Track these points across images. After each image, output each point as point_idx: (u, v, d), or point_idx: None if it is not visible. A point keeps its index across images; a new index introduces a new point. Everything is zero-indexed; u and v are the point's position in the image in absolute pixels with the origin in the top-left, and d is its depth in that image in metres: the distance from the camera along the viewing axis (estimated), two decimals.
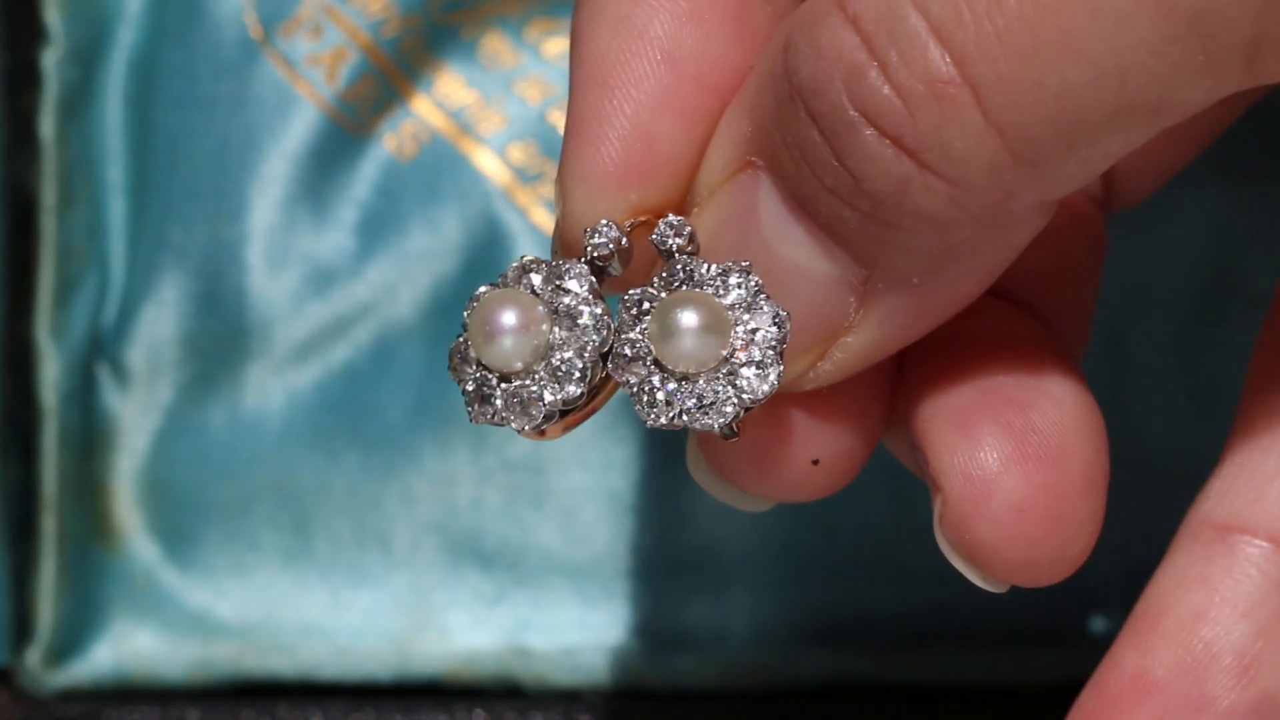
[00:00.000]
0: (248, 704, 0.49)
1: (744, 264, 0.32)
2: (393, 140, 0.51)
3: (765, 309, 0.32)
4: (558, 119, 0.52)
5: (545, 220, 0.51)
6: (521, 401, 0.32)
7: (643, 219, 0.33)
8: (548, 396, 0.32)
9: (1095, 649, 0.49)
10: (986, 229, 0.31)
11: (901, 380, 0.36)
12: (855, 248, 0.31)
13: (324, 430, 0.51)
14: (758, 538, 0.50)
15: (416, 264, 0.51)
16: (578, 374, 0.32)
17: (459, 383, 0.33)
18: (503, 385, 0.32)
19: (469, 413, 0.32)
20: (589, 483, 0.51)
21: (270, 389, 0.51)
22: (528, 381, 0.32)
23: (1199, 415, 0.50)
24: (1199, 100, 0.29)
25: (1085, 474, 0.34)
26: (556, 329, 0.32)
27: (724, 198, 0.32)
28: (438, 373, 0.51)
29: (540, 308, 0.32)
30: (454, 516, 0.51)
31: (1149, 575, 0.38)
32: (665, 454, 0.50)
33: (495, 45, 0.52)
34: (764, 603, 0.50)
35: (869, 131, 0.29)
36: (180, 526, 0.50)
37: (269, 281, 0.51)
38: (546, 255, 0.33)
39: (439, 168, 0.51)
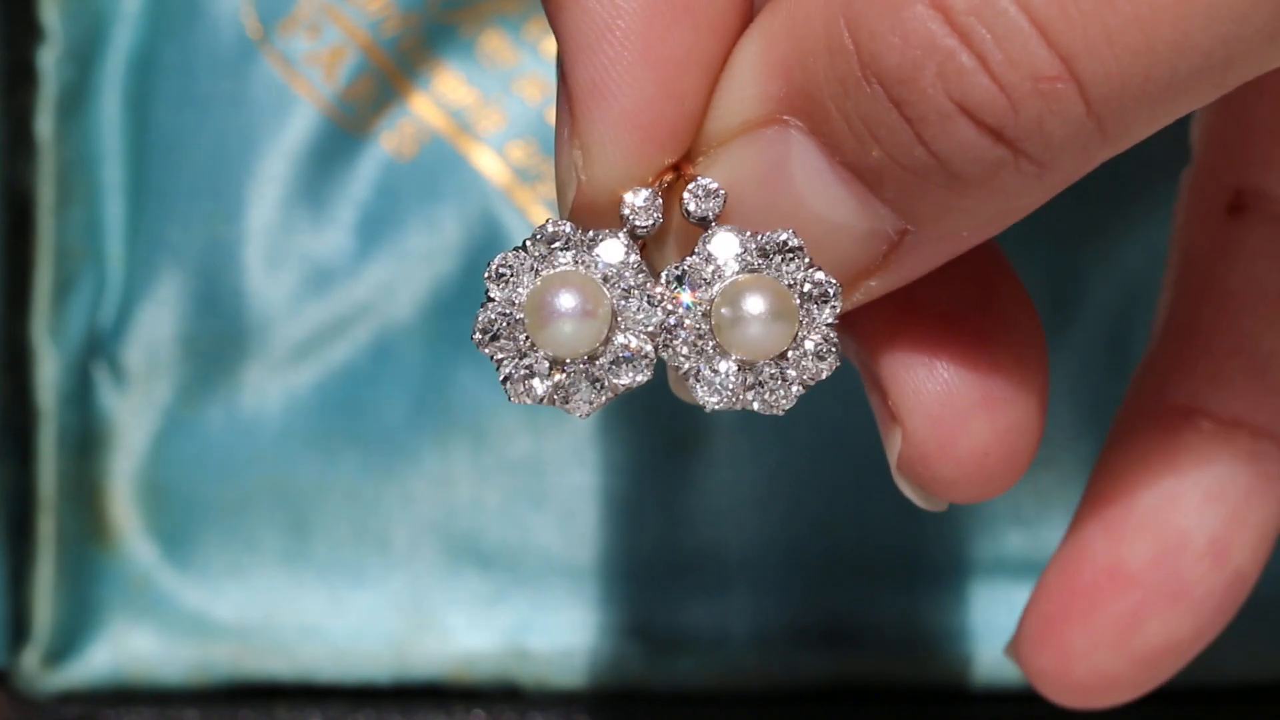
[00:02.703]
0: (246, 706, 0.49)
1: (791, 237, 0.31)
2: (392, 139, 0.51)
3: (819, 281, 0.31)
4: None
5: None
6: (583, 385, 0.31)
7: (668, 178, 0.32)
8: (611, 381, 0.31)
9: None
10: (1052, 190, 0.31)
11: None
12: (911, 212, 0.31)
13: (322, 430, 0.50)
14: (758, 539, 0.50)
15: (415, 264, 0.51)
16: (644, 359, 0.31)
17: (495, 360, 0.32)
18: (553, 367, 0.31)
19: (509, 392, 0.31)
20: (589, 483, 0.50)
21: (269, 389, 0.50)
22: (591, 368, 0.31)
23: None
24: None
25: (1041, 404, 0.35)
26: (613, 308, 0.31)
27: (746, 151, 0.32)
28: (437, 373, 0.51)
29: (604, 290, 0.31)
30: (453, 517, 0.50)
31: None
32: (665, 455, 0.50)
33: (494, 44, 0.51)
34: (764, 604, 0.50)
35: (965, 122, 0.29)
36: (178, 527, 0.50)
37: (267, 281, 0.51)
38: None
39: (438, 167, 0.51)
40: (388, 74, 0.51)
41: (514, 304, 0.32)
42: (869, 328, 0.35)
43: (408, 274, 0.51)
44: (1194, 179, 0.38)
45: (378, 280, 0.51)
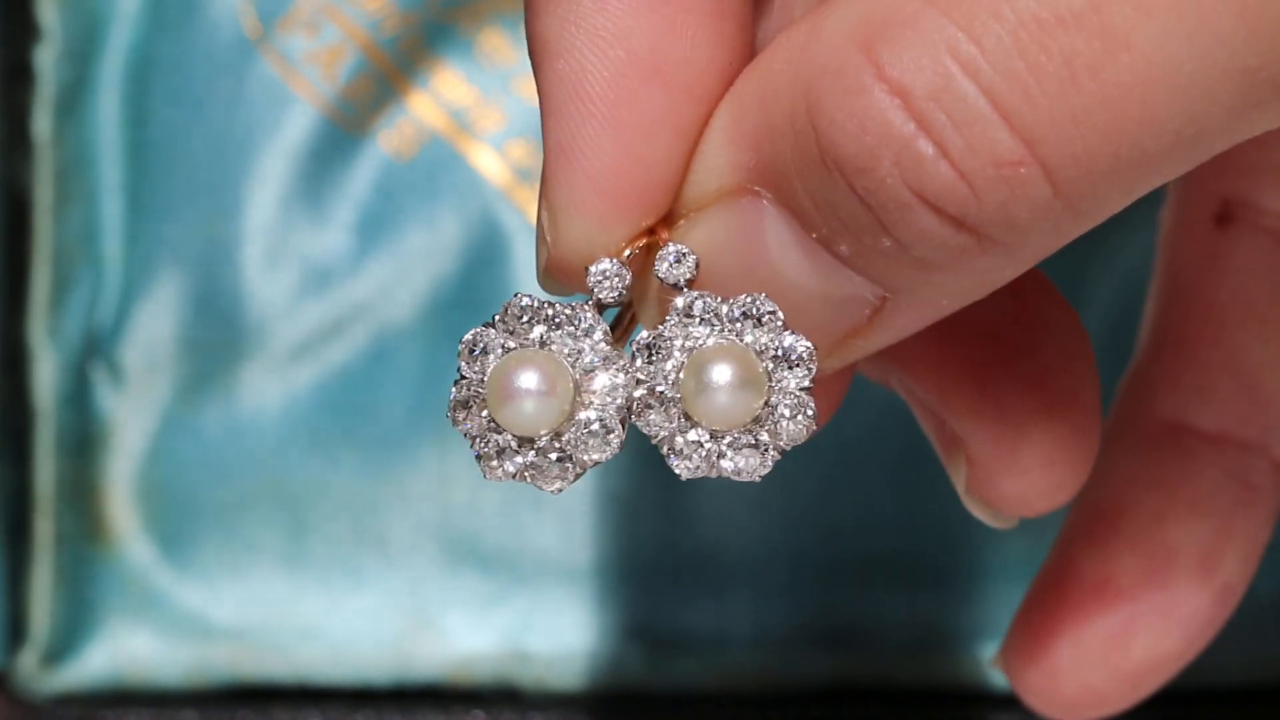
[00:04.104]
0: (244, 707, 0.49)
1: (763, 301, 0.31)
2: (391, 139, 0.51)
3: (791, 346, 0.31)
4: None
5: None
6: (551, 465, 0.31)
7: (640, 244, 0.31)
8: (585, 457, 0.31)
9: None
10: (1024, 265, 0.30)
11: None
12: (885, 283, 0.30)
13: (321, 431, 0.50)
14: (758, 541, 0.50)
15: (415, 263, 0.51)
16: (614, 436, 0.31)
17: (466, 435, 0.31)
18: (523, 444, 0.31)
19: (483, 469, 0.31)
20: (588, 485, 0.50)
21: (267, 389, 0.50)
22: (559, 445, 0.31)
23: None
24: (1267, 134, 0.29)
25: (1094, 403, 0.34)
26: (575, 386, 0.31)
27: (721, 220, 0.31)
28: (435, 373, 0.50)
29: (565, 367, 0.31)
30: (452, 518, 0.50)
31: None
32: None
33: (494, 42, 0.51)
34: (765, 606, 0.50)
35: (926, 212, 0.28)
36: (176, 528, 0.50)
37: (266, 281, 0.51)
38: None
39: (437, 167, 0.51)
40: (387, 73, 0.51)
41: (484, 380, 0.31)
42: (915, 359, 0.34)
43: (407, 274, 0.51)
44: (1181, 187, 0.38)
45: (376, 280, 0.51)
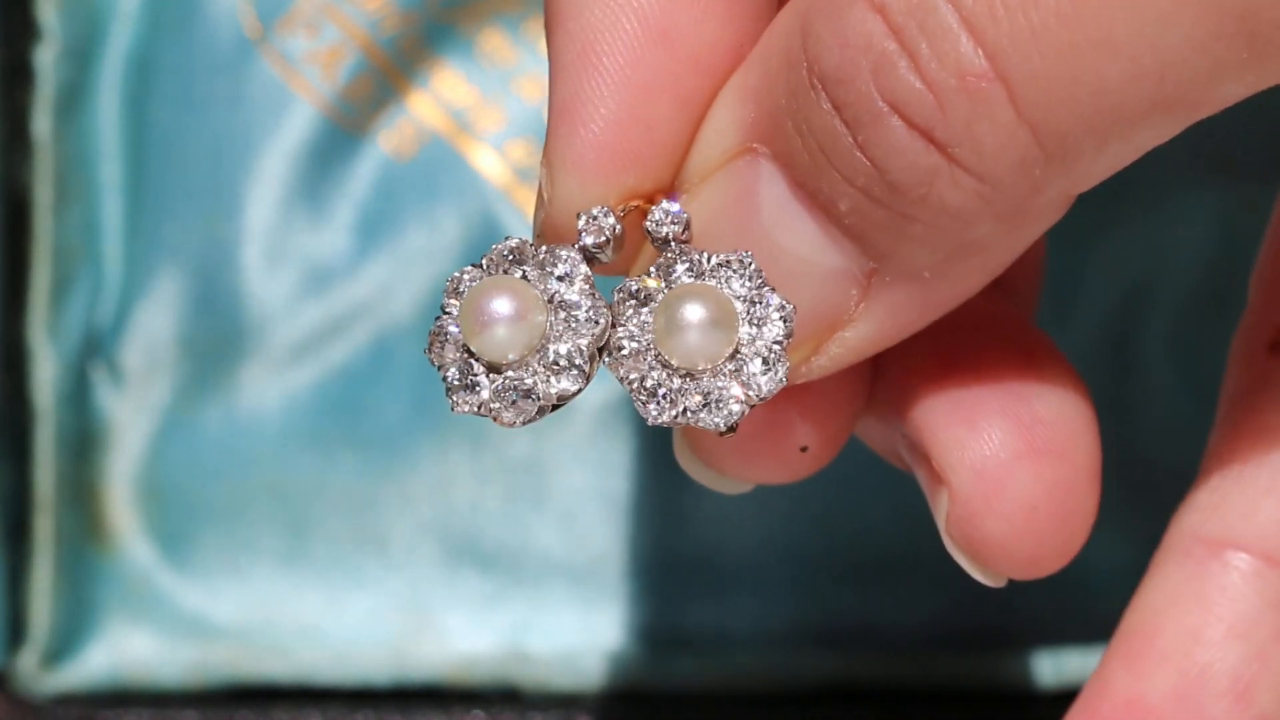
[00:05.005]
0: (244, 707, 0.49)
1: (745, 255, 0.31)
2: (391, 139, 0.51)
3: (770, 301, 0.31)
4: None
5: None
6: (515, 395, 0.31)
7: (634, 204, 0.32)
8: (544, 390, 0.31)
9: (1098, 652, 0.49)
10: (1007, 224, 0.30)
11: (885, 367, 0.36)
12: (867, 240, 0.31)
13: (321, 431, 0.50)
14: (758, 540, 0.50)
15: (414, 263, 0.51)
16: (576, 369, 0.31)
17: (439, 368, 0.32)
18: (492, 375, 0.31)
19: (450, 401, 0.32)
20: (588, 484, 0.50)
21: (267, 389, 0.50)
22: (522, 374, 0.31)
23: (1199, 415, 0.50)
24: (1238, 94, 0.29)
25: (1091, 466, 0.34)
26: (551, 319, 0.31)
27: (720, 184, 0.32)
28: (435, 373, 0.50)
29: (537, 296, 0.31)
30: (452, 518, 0.50)
31: None
32: (665, 455, 0.50)
33: (494, 42, 0.51)
34: (765, 605, 0.50)
35: (897, 122, 0.29)
36: (176, 528, 0.50)
37: (266, 281, 0.51)
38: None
39: (437, 166, 0.51)
40: (387, 73, 0.51)
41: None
42: (909, 393, 0.34)
43: (407, 274, 0.51)
44: (1245, 318, 0.38)
45: (376, 280, 0.51)
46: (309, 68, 0.51)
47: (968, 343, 0.34)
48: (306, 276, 0.51)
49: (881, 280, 0.31)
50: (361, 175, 0.51)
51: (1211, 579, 0.36)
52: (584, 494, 0.50)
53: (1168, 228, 0.50)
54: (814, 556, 0.50)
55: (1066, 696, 0.40)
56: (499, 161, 0.51)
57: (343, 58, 0.51)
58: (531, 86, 0.51)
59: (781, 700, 0.49)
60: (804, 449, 0.35)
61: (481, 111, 0.51)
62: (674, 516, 0.50)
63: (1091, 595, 0.49)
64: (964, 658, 0.50)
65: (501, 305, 0.31)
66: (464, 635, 0.50)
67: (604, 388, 0.50)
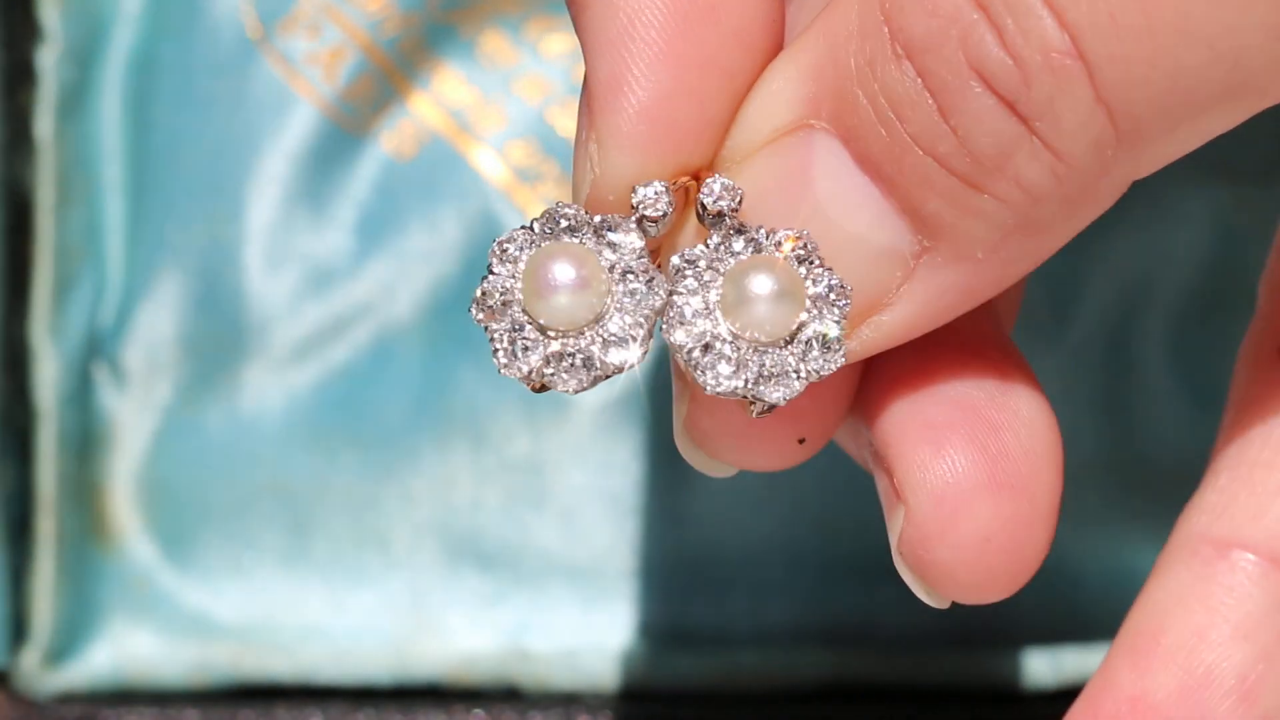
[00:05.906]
0: (246, 706, 0.49)
1: (801, 231, 0.31)
2: (392, 139, 0.51)
3: (826, 279, 0.31)
4: (556, 118, 0.51)
5: None
6: (574, 364, 0.31)
7: (683, 180, 0.32)
8: (601, 358, 0.31)
9: (1096, 651, 0.49)
10: (1070, 205, 0.31)
11: (867, 365, 0.36)
12: (927, 216, 0.31)
13: (322, 430, 0.50)
14: (759, 538, 0.50)
15: (415, 264, 0.51)
16: (639, 339, 0.31)
17: (488, 330, 0.31)
18: (547, 341, 0.31)
19: (499, 364, 0.31)
20: (589, 483, 0.50)
21: (268, 389, 0.50)
22: (582, 342, 0.31)
23: (1199, 415, 0.50)
24: None
25: (1050, 504, 0.34)
26: (613, 288, 0.31)
27: (770, 160, 0.32)
28: (437, 373, 0.51)
29: (601, 264, 0.31)
30: (453, 517, 0.50)
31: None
32: (665, 455, 0.50)
33: (494, 43, 0.51)
34: (765, 603, 0.50)
35: (983, 90, 0.30)
36: (178, 527, 0.50)
37: (267, 281, 0.51)
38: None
39: (438, 167, 0.51)
40: (387, 74, 0.51)
41: (514, 279, 0.31)
42: (879, 399, 0.34)
43: (407, 274, 0.51)
44: (1253, 324, 0.38)
45: (377, 280, 0.51)
46: (310, 68, 0.51)
47: (943, 356, 0.34)
48: (308, 276, 0.51)
49: (932, 260, 0.31)
50: (362, 176, 0.51)
51: (1218, 579, 0.36)
52: (584, 493, 0.50)
53: (1167, 228, 0.50)
54: (814, 556, 0.50)
55: (1065, 695, 0.40)
56: (499, 162, 0.51)
57: (344, 58, 0.51)
58: (532, 87, 0.51)
59: (781, 699, 0.49)
60: (801, 441, 0.35)
61: (482, 112, 0.51)
62: (674, 515, 0.50)
63: (1090, 595, 0.49)
64: (963, 657, 0.50)
65: (566, 272, 0.31)
66: (465, 634, 0.50)
67: (604, 387, 0.50)
